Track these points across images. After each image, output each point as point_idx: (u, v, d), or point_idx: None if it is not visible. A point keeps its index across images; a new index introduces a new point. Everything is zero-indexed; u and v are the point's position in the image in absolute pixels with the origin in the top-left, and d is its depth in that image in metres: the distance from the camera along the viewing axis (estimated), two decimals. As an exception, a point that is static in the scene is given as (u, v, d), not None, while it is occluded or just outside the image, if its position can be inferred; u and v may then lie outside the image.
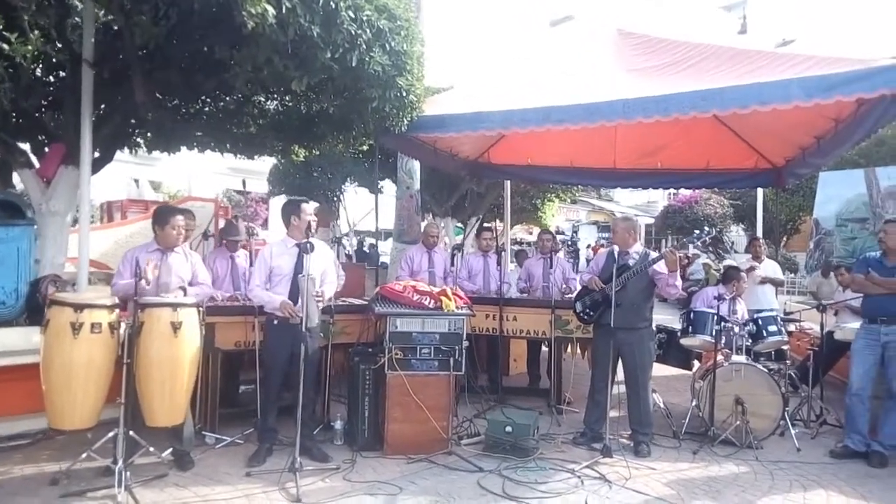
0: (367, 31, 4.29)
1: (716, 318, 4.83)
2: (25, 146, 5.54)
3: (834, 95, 4.15)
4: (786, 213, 17.57)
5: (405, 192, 8.06)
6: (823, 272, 9.06)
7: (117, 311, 3.43)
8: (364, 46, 4.31)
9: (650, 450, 4.44)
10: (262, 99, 6.61)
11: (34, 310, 4.19)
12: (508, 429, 4.29)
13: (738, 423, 4.58)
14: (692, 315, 4.98)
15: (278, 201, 12.87)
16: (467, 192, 11.34)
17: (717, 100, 4.72)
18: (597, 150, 7.69)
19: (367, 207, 11.97)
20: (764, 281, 6.81)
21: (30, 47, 5.29)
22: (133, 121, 6.35)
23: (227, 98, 6.43)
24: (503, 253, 6.20)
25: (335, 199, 12.09)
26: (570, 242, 23.89)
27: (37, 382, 3.33)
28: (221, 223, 7.83)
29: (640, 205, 41.02)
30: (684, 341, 5.04)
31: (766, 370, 4.70)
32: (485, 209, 12.32)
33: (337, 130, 6.35)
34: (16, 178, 5.72)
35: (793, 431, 4.75)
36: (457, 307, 4.33)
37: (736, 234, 21.97)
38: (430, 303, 4.31)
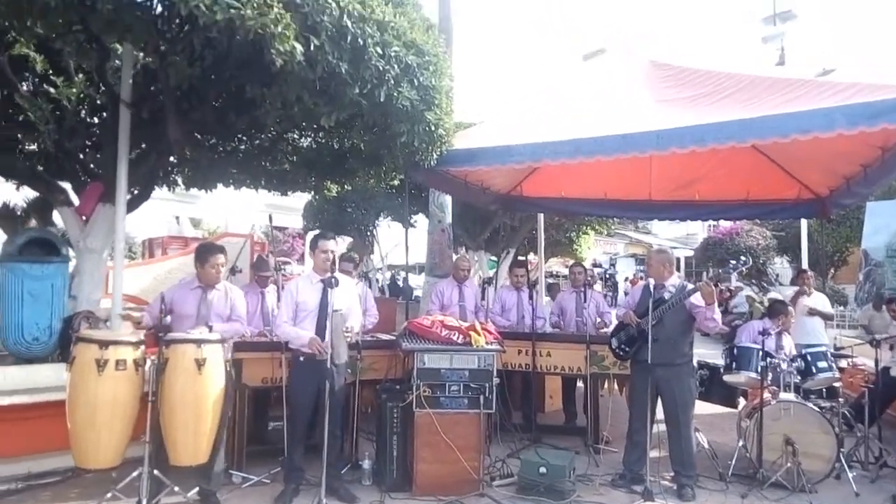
0: (395, 66, 4.31)
1: (761, 353, 4.58)
2: (67, 185, 5.71)
3: (879, 123, 3.97)
4: (832, 245, 16.94)
5: (437, 225, 8.03)
6: (875, 305, 8.61)
7: (142, 347, 3.42)
8: (392, 82, 4.32)
9: (695, 493, 4.19)
10: (295, 136, 6.73)
11: (67, 346, 4.24)
12: (543, 470, 4.11)
13: (788, 464, 4.30)
14: (735, 350, 4.74)
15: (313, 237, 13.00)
16: (500, 225, 11.26)
17: (755, 129, 4.58)
18: (632, 181, 7.55)
19: (400, 242, 12.00)
20: (812, 313, 6.50)
21: (74, 90, 5.53)
22: (172, 159, 6.54)
23: (261, 136, 6.57)
24: (536, 287, 6.06)
25: (368, 233, 12.15)
26: (607, 276, 23.48)
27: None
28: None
29: (679, 237, 40.30)
30: (728, 378, 4.80)
31: (816, 408, 4.42)
32: (518, 242, 12.20)
33: (367, 165, 6.40)
34: (56, 216, 5.89)
35: (850, 474, 4.44)
36: (486, 343, 4.21)
37: (780, 266, 21.25)
38: (458, 338, 4.20)
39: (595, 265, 22.84)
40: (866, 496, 4.26)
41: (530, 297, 5.77)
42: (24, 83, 5.51)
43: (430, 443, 4.04)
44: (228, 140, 6.52)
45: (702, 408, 4.92)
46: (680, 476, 4.27)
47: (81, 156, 5.98)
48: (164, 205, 19.84)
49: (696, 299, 4.17)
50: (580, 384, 5.96)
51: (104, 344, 3.22)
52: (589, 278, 6.58)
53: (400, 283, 16.37)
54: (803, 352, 4.88)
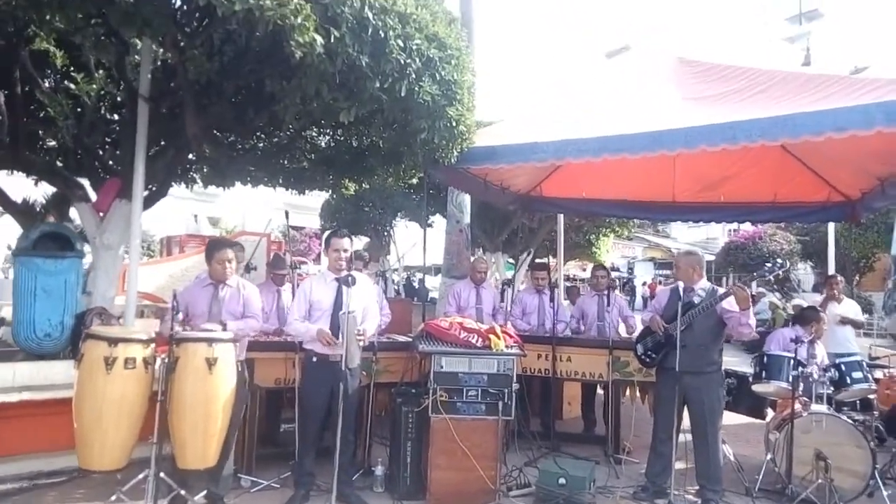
0: (417, 60, 4.19)
1: (793, 362, 4.39)
2: (85, 182, 5.69)
3: (921, 121, 3.77)
4: (858, 250, 16.56)
5: (455, 226, 7.90)
6: (906, 314, 8.35)
7: (153, 345, 3.33)
8: (413, 76, 4.21)
9: (721, 508, 4.01)
10: (314, 133, 6.66)
11: (79, 343, 4.17)
12: (562, 481, 3.96)
13: (819, 480, 4.10)
14: (766, 359, 4.55)
15: (330, 236, 12.94)
16: (519, 226, 11.11)
17: (789, 127, 4.38)
18: (655, 182, 7.35)
19: (417, 242, 11.95)
20: (844, 321, 6.26)
21: (94, 86, 5.50)
22: (190, 156, 6.50)
23: (280, 133, 6.50)
24: (557, 290, 5.91)
25: (385, 233, 12.07)
26: (625, 280, 23.21)
27: (78, 418, 3.24)
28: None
29: (699, 241, 39.84)
30: (757, 388, 4.60)
31: (850, 421, 4.22)
32: (537, 244, 12.04)
33: (386, 163, 6.30)
34: (73, 212, 5.86)
35: (885, 492, 4.22)
36: (506, 346, 4.07)
37: (804, 272, 20.85)
38: (477, 341, 4.06)
39: (613, 269, 22.55)
40: (902, 516, 4.06)
41: (552, 300, 5.62)
42: (45, 80, 5.50)
43: (445, 450, 3.91)
44: (247, 137, 6.47)
45: (728, 418, 4.72)
46: (705, 490, 4.11)
47: (101, 152, 5.95)
48: (183, 203, 19.97)
49: (729, 304, 4.00)
50: (599, 391, 5.80)
51: (113, 341, 3.14)
52: (611, 282, 6.39)
53: (416, 284, 16.30)
54: (837, 361, 4.67)
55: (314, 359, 3.82)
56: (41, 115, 5.58)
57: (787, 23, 55.58)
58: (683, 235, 41.97)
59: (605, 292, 5.92)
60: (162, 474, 3.32)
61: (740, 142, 4.49)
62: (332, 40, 3.64)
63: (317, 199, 14.36)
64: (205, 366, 3.22)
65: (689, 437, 4.25)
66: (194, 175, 7.25)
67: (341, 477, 3.56)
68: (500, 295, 5.85)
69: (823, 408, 4.33)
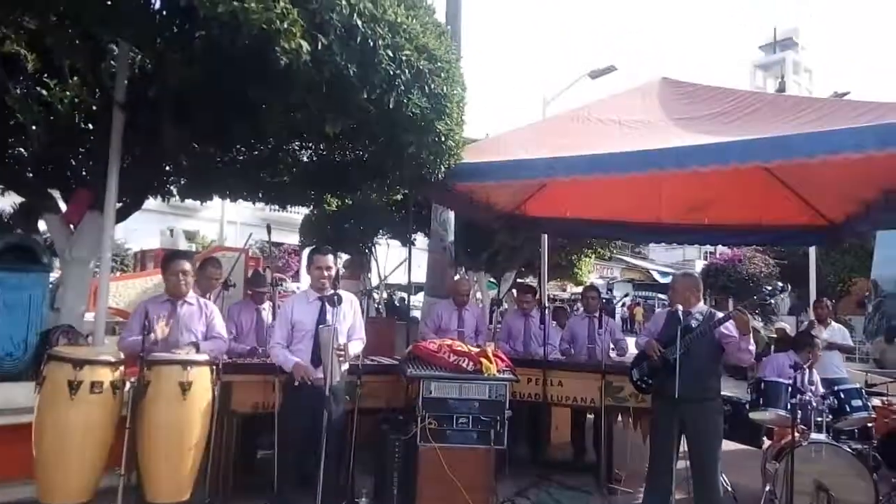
0: (406, 71, 4.06)
1: (791, 389, 4.26)
2: (56, 192, 5.42)
3: (914, 145, 3.73)
4: (835, 274, 16.73)
5: (439, 244, 7.75)
6: (887, 338, 8.37)
7: (122, 368, 3.08)
8: (402, 88, 4.08)
9: (720, 542, 3.84)
10: (296, 147, 6.47)
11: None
12: (557, 513, 3.77)
13: (820, 512, 3.96)
14: (762, 385, 4.42)
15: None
16: (501, 246, 10.97)
17: (781, 149, 4.35)
18: (640, 203, 7.31)
19: (399, 260, 11.78)
20: (830, 347, 6.19)
21: (68, 93, 5.26)
22: (168, 168, 6.27)
23: (261, 146, 6.30)
24: (546, 311, 5.75)
25: (367, 251, 11.83)
26: (605, 300, 23.20)
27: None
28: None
29: (676, 263, 40.27)
30: (754, 415, 4.47)
31: (851, 451, 4.10)
32: (519, 264, 11.90)
33: (371, 179, 6.12)
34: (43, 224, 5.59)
35: (887, 524, 4.11)
36: (498, 371, 3.89)
37: (781, 297, 21.03)
38: (468, 365, 3.88)
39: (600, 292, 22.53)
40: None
41: (541, 322, 5.46)
42: (16, 85, 5.25)
43: (434, 480, 3.71)
44: (227, 150, 6.25)
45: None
46: (705, 522, 3.93)
47: (74, 162, 5.69)
48: (159, 217, 19.52)
49: (728, 328, 3.87)
50: (589, 416, 5.63)
51: (79, 363, 2.90)
52: (602, 303, 6.26)
53: (397, 302, 16.03)
54: (836, 388, 4.56)
55: (296, 382, 3.59)
56: (11, 122, 5.32)
57: (761, 51, 57.18)
58: (661, 257, 42.39)
59: (597, 314, 5.77)
60: (128, 509, 3.06)
61: (732, 163, 4.44)
62: (320, 48, 3.50)
63: (297, 215, 14.11)
64: (178, 391, 2.99)
65: (682, 463, 4.08)
66: (171, 187, 7.01)
67: (323, 509, 3.32)
68: (490, 315, 5.67)
69: (823, 437, 4.21)
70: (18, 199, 6.28)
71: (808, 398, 4.27)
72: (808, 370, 4.68)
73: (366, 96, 3.92)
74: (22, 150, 5.68)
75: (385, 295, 14.99)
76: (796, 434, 4.18)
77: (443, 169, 5.04)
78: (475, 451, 3.76)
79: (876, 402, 5.30)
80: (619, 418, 5.04)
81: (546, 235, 9.32)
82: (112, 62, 4.86)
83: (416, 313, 10.52)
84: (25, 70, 5.07)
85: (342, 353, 3.54)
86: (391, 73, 3.92)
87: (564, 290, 26.39)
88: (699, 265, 28.50)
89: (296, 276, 19.92)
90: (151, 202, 8.99)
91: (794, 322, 16.37)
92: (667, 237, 8.51)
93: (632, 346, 5.29)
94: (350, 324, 3.75)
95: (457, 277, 7.40)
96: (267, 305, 4.90)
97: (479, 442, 3.77)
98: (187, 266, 3.54)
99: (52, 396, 2.88)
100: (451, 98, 4.65)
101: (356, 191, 6.69)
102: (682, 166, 4.60)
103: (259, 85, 4.17)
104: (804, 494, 4.03)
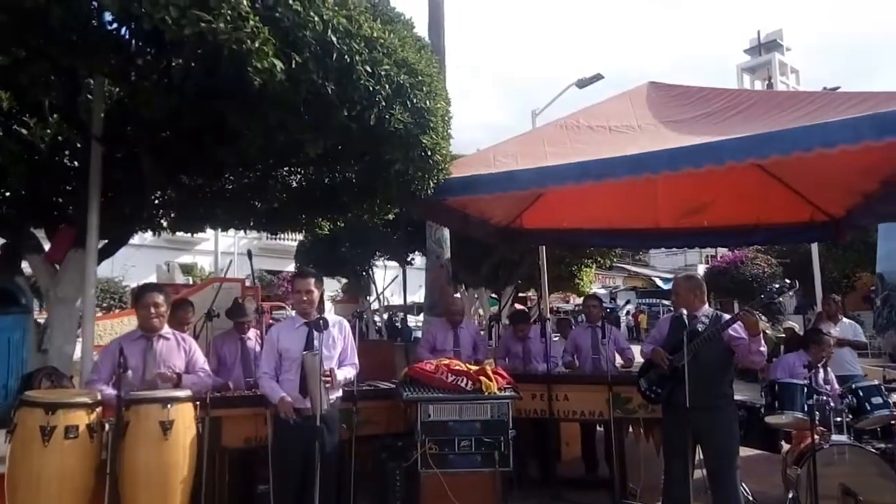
0: (387, 86, 3.97)
1: (807, 390, 4.08)
2: (41, 232, 5.30)
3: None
4: (839, 270, 16.55)
5: (435, 262, 7.63)
6: (900, 331, 8.17)
7: (98, 410, 2.92)
8: (383, 103, 3.98)
9: (744, 555, 3.64)
10: (285, 172, 6.38)
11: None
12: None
13: (849, 517, 3.77)
14: (776, 388, 4.24)
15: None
16: (500, 260, 10.86)
17: (776, 144, 4.24)
18: (637, 209, 7.24)
19: (397, 282, 11.65)
20: (842, 343, 6.02)
21: (49, 130, 5.16)
22: (156, 201, 6.16)
23: (249, 174, 6.21)
24: (547, 323, 5.59)
25: (364, 273, 11.71)
26: (609, 309, 22.99)
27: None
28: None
29: (678, 268, 40.11)
30: (770, 419, 4.27)
31: (875, 451, 3.92)
32: (520, 278, 11.78)
33: (360, 199, 6.02)
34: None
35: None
36: (499, 388, 3.73)
37: (790, 295, 20.83)
38: (467, 384, 3.72)
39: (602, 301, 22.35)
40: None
41: (542, 335, 5.29)
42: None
43: (438, 508, 3.51)
44: (214, 179, 6.15)
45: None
46: (727, 535, 3.72)
47: (58, 200, 5.58)
48: (156, 252, 19.44)
49: (737, 330, 3.70)
50: (599, 428, 5.44)
51: (51, 407, 2.73)
52: (604, 312, 6.11)
53: (398, 324, 15.88)
54: (854, 386, 4.38)
55: (282, 415, 3.41)
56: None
57: (747, 54, 57.48)
58: (662, 263, 42.28)
59: (600, 324, 5.61)
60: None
61: (727, 162, 4.34)
62: (294, 66, 3.40)
63: (293, 242, 14.01)
64: (159, 430, 2.82)
65: (703, 472, 3.90)
66: (161, 221, 6.90)
67: (323, 546, 3.13)
68: (489, 332, 5.51)
69: (844, 438, 4.03)
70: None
71: (825, 398, 4.10)
72: (821, 369, 4.50)
73: (346, 114, 3.83)
74: (2, 189, 5.58)
75: (385, 317, 14.86)
76: (816, 436, 4.01)
77: (431, 184, 4.93)
78: (480, 475, 3.58)
79: None
80: (630, 430, 4.85)
81: (544, 247, 9.21)
82: (89, 96, 4.76)
83: (419, 333, 10.38)
84: (0, 109, 4.98)
85: (328, 379, 3.37)
86: (371, 88, 3.83)
87: (567, 302, 26.21)
88: (701, 269, 28.33)
89: (296, 304, 19.74)
90: (148, 237, 8.90)
91: (802, 320, 16.16)
92: (666, 242, 8.43)
93: (638, 354, 5.11)
94: (341, 348, 3.59)
95: (457, 295, 7.25)
96: (252, 334, 4.74)
97: (484, 465, 3.58)
98: (159, 298, 3.37)
99: (25, 445, 2.70)
100: (435, 112, 4.55)
101: (346, 212, 6.58)
102: (675, 168, 4.50)
103: (236, 110, 4.08)
104: (830, 499, 3.83)
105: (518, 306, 15.22)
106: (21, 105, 5.00)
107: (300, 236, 11.29)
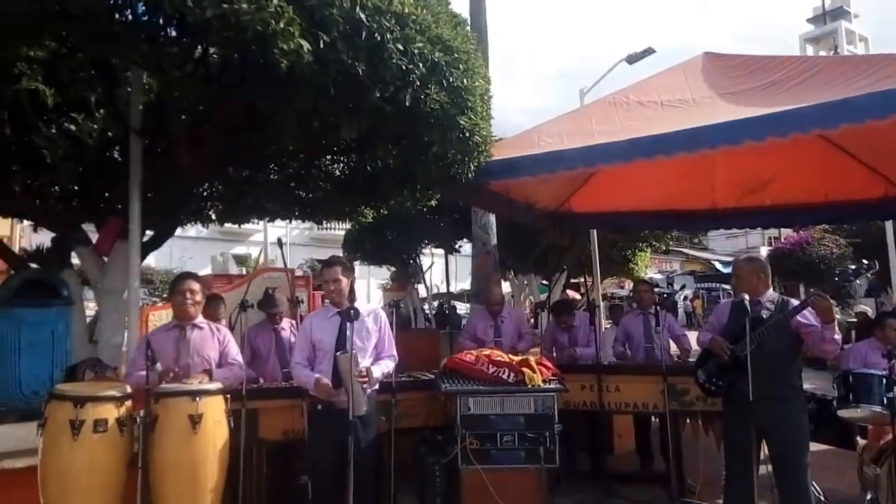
0: (420, 65, 3.80)
1: (885, 381, 3.70)
2: (90, 226, 5.40)
3: None
4: (915, 249, 15.46)
5: (481, 248, 7.45)
6: None
7: (128, 403, 2.87)
8: (418, 83, 3.83)
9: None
10: (327, 161, 6.34)
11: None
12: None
13: (934, 521, 3.41)
14: (851, 378, 3.87)
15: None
16: (549, 245, 10.58)
17: (846, 112, 3.89)
18: (693, 189, 6.88)
19: (436, 263, 11.53)
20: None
21: (95, 126, 5.23)
22: (205, 193, 6.22)
23: (292, 163, 6.19)
24: (597, 310, 5.33)
25: (411, 261, 11.62)
26: (665, 295, 22.27)
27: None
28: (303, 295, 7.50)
29: (739, 251, 38.66)
30: (844, 413, 3.89)
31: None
32: (570, 263, 11.47)
33: (401, 185, 5.90)
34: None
35: None
36: (544, 380, 3.52)
37: (870, 275, 19.64)
38: (509, 376, 3.53)
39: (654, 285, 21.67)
40: None
41: (591, 323, 5.03)
42: (43, 123, 5.27)
43: (481, 505, 3.35)
44: (258, 170, 6.16)
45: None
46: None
47: (107, 194, 5.67)
48: (211, 244, 20.02)
49: (806, 317, 3.37)
50: (655, 420, 5.16)
51: (80, 401, 2.69)
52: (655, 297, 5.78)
53: (447, 311, 15.79)
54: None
55: (318, 407, 3.30)
56: (45, 159, 5.34)
57: (810, 24, 54.46)
58: (721, 246, 40.81)
59: (652, 310, 5.30)
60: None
61: (791, 133, 3.99)
62: (322, 46, 3.27)
63: (342, 231, 14.08)
64: (188, 424, 2.75)
65: (768, 468, 3.60)
66: (209, 212, 6.98)
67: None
68: (535, 319, 5.29)
69: (928, 433, 3.63)
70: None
71: (906, 390, 3.71)
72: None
73: (379, 95, 3.69)
74: (53, 185, 5.71)
75: (435, 305, 14.77)
76: (895, 432, 3.64)
77: (472, 167, 4.74)
78: (524, 472, 3.40)
79: None
80: (687, 423, 4.56)
81: (595, 231, 8.89)
82: (128, 89, 4.79)
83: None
84: (47, 105, 5.06)
85: (365, 379, 3.22)
86: (403, 67, 3.68)
87: (622, 287, 25.57)
88: (764, 251, 27.14)
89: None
90: (204, 230, 9.08)
91: (874, 304, 15.20)
92: (725, 223, 8.08)
93: (693, 342, 4.81)
94: (376, 340, 3.45)
95: (505, 283, 7.04)
96: (286, 325, 4.69)
97: (528, 461, 3.40)
98: (195, 285, 3.31)
99: (54, 438, 2.68)
100: (473, 91, 4.36)
101: (388, 199, 6.50)
102: (734, 142, 4.22)
103: (266, 96, 3.99)
104: (913, 502, 3.48)
105: (569, 292, 14.89)
106: (67, 101, 5.08)
107: (347, 225, 11.31)
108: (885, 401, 3.62)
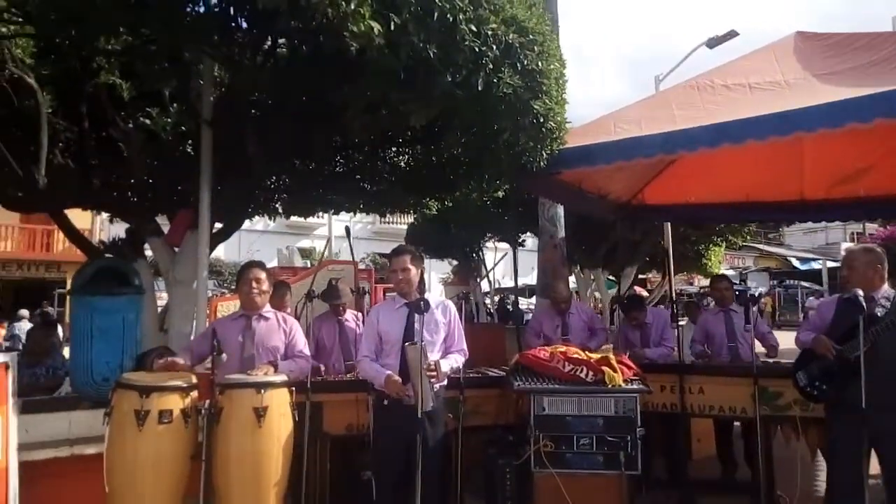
0: (494, 47, 3.63)
1: None
2: (163, 218, 5.52)
3: None
4: None
5: (548, 241, 7.20)
6: None
7: (193, 394, 2.83)
8: (491, 66, 3.66)
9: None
10: (392, 153, 6.27)
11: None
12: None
13: None
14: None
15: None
16: (619, 239, 10.20)
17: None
18: (778, 179, 6.43)
19: (508, 263, 11.28)
20: None
21: (170, 119, 5.34)
22: (272, 186, 6.27)
23: (357, 155, 6.15)
24: (676, 306, 5.02)
25: (474, 255, 11.47)
26: (738, 292, 21.26)
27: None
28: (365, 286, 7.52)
29: (818, 247, 36.68)
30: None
31: None
32: (641, 259, 11.03)
33: (468, 175, 5.76)
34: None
35: None
36: (625, 380, 3.29)
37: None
38: (587, 375, 3.31)
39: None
40: None
41: (672, 320, 4.73)
42: (120, 118, 5.41)
43: (555, 513, 3.16)
44: (325, 163, 6.16)
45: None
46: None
47: (179, 186, 5.79)
48: (279, 237, 20.54)
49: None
50: (736, 423, 4.82)
51: (145, 391, 2.67)
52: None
53: (510, 307, 15.58)
54: None
55: (385, 402, 3.19)
56: (122, 153, 5.48)
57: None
58: (799, 241, 38.81)
59: (733, 307, 4.94)
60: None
61: (902, 114, 3.60)
62: (393, 29, 3.15)
63: (404, 224, 14.11)
64: (253, 417, 2.69)
65: (880, 483, 3.24)
66: (276, 205, 7.06)
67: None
68: (611, 315, 5.04)
69: None
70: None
71: None
72: None
73: (450, 79, 3.55)
74: (128, 178, 5.86)
75: (497, 299, 14.59)
76: None
77: (544, 155, 4.53)
78: (602, 478, 3.19)
79: None
80: (780, 430, 4.20)
81: (669, 224, 8.49)
82: (200, 81, 4.83)
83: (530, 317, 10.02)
84: (123, 99, 5.18)
85: (434, 373, 3.08)
86: (476, 50, 3.53)
87: (692, 284, 24.63)
88: (843, 248, 25.54)
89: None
90: (272, 223, 9.25)
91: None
92: (813, 216, 7.48)
93: (789, 342, 4.43)
94: (446, 333, 3.31)
95: (571, 278, 6.79)
96: (350, 316, 4.62)
97: (607, 467, 3.19)
98: (262, 275, 3.25)
99: (120, 428, 2.68)
100: (548, 74, 4.15)
101: (454, 190, 6.37)
102: (836, 124, 3.85)
103: (336, 84, 3.92)
104: None
105: (637, 289, 14.40)
106: (142, 95, 5.19)
107: (410, 218, 11.28)
108: None
